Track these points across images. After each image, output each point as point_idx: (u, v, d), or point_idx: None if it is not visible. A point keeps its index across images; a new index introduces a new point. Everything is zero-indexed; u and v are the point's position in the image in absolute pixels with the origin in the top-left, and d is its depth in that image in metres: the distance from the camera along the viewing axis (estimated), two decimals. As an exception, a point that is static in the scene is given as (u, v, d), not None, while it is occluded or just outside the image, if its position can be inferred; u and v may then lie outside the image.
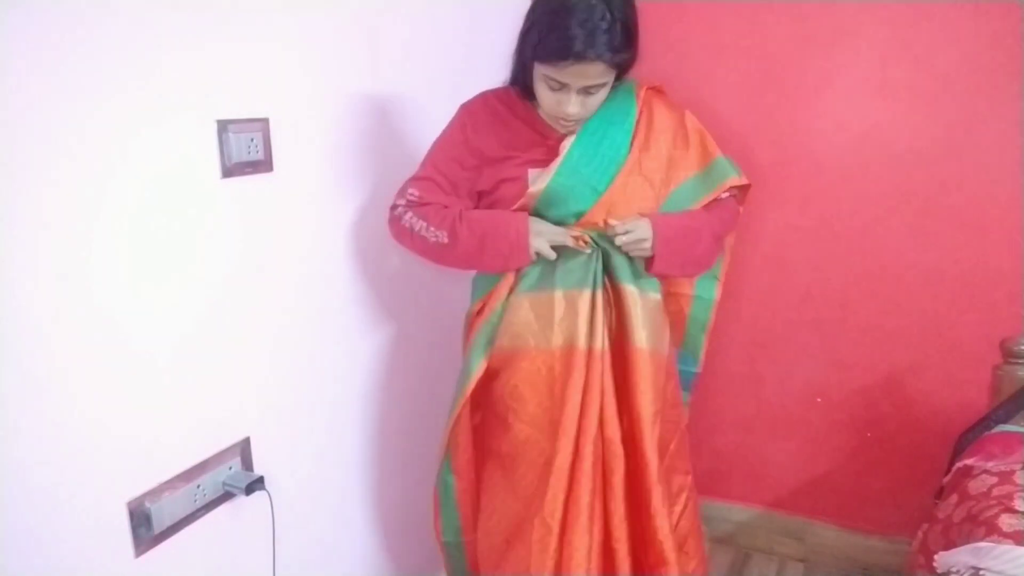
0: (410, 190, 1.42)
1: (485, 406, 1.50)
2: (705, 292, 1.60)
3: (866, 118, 1.86)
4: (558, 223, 1.38)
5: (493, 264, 1.40)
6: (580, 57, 1.17)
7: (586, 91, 1.25)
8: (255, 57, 1.25)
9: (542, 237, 1.34)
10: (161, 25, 1.07)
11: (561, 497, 1.35)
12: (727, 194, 1.50)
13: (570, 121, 1.31)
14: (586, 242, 1.36)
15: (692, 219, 1.42)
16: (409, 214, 1.41)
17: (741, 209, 1.59)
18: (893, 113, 1.83)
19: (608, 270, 1.39)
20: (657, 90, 1.45)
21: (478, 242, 1.35)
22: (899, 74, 1.80)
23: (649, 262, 1.39)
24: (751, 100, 1.95)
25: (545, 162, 1.36)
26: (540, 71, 1.24)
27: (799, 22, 1.87)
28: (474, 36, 1.86)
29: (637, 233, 1.33)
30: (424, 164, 1.44)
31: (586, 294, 1.37)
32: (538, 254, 1.35)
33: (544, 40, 1.19)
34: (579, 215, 1.37)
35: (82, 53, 0.97)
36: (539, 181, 1.35)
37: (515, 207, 1.37)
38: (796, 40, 1.88)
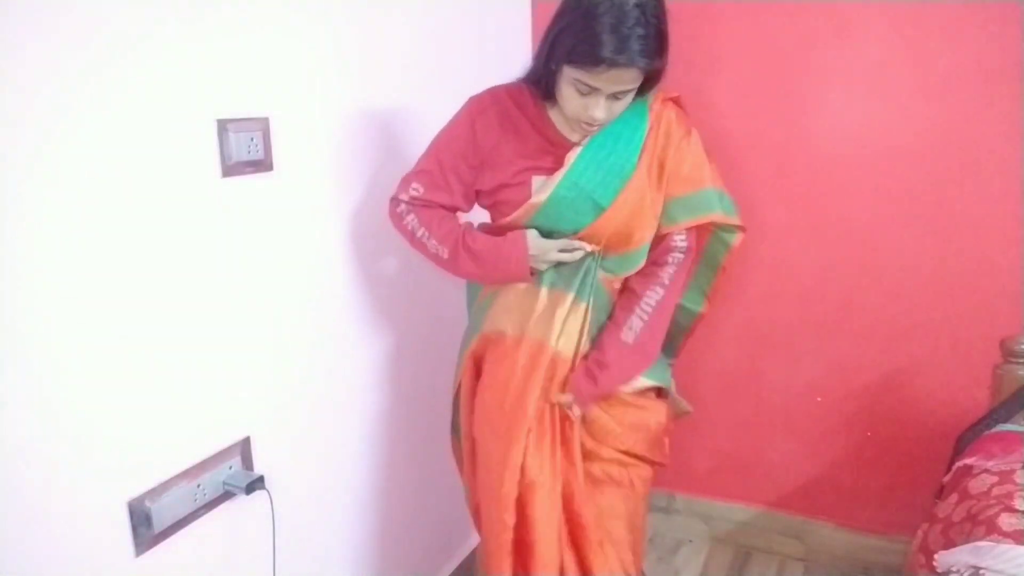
0: (413, 184, 1.40)
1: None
2: (691, 303, 1.57)
3: (866, 118, 1.85)
4: (555, 236, 1.37)
5: (495, 283, 1.45)
6: (614, 64, 1.15)
7: (614, 96, 1.23)
8: (255, 57, 1.25)
9: (538, 260, 1.36)
10: (162, 24, 1.07)
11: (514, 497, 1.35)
12: (672, 256, 1.42)
13: (592, 125, 1.28)
14: (581, 248, 1.36)
15: (623, 353, 1.40)
16: (411, 216, 1.40)
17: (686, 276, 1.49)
18: (893, 113, 1.83)
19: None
20: (673, 101, 1.40)
21: (478, 267, 1.38)
22: (899, 74, 1.80)
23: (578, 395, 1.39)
24: (750, 100, 1.95)
25: (550, 170, 1.33)
26: (570, 74, 1.21)
27: (799, 22, 1.87)
28: (475, 36, 1.86)
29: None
30: (428, 155, 1.41)
31: (568, 296, 1.37)
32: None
33: (578, 45, 1.16)
34: (578, 231, 1.35)
35: (83, 52, 0.97)
36: (542, 191, 1.33)
37: (514, 216, 1.36)
38: (796, 40, 1.88)
